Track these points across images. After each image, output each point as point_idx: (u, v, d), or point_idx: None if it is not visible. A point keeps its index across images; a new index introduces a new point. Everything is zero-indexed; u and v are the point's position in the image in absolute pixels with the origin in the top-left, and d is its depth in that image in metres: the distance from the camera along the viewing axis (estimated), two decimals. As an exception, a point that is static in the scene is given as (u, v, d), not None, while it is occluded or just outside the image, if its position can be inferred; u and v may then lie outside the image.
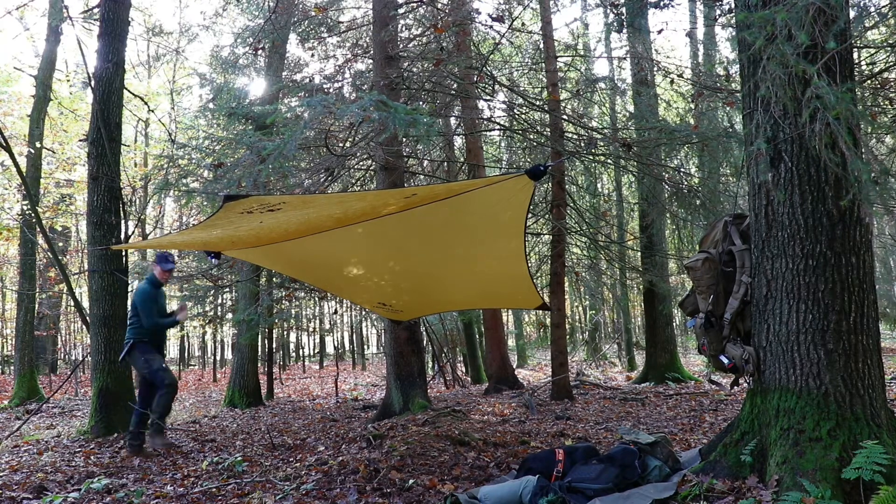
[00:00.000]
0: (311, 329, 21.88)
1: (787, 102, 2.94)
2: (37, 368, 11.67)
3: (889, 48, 5.58)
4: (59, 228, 17.12)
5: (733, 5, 4.57)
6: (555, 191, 8.44)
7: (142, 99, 10.60)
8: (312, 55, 10.83)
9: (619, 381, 11.66)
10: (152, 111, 12.86)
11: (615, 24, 8.61)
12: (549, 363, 10.11)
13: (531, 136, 9.19)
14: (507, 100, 10.36)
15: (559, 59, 9.45)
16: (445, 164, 11.06)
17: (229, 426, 7.39)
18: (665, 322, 10.62)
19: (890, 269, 16.18)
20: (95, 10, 8.27)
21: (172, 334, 19.00)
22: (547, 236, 9.93)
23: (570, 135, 9.05)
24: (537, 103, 9.18)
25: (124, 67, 6.96)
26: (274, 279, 9.70)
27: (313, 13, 8.95)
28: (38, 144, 11.22)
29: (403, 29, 8.88)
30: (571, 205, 9.27)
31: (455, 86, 8.73)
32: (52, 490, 4.18)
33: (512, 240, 4.28)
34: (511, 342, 18.15)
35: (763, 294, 3.27)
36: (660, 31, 9.53)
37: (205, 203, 8.80)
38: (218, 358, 23.72)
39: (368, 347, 27.56)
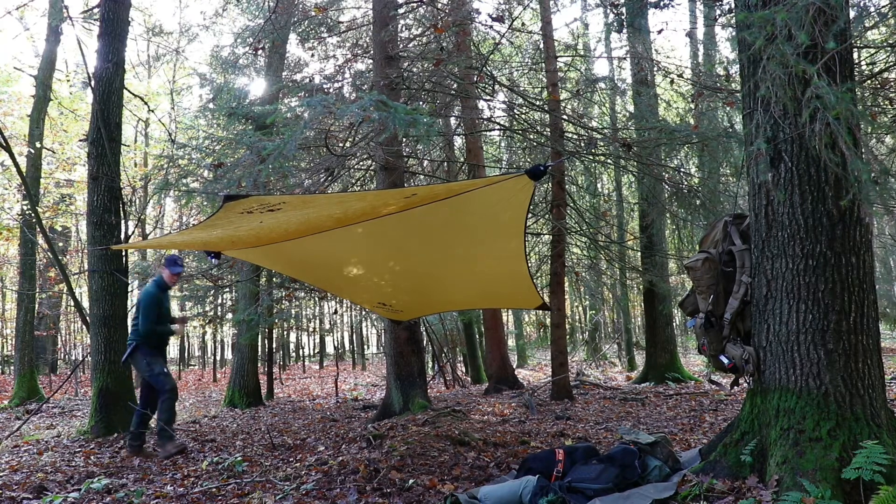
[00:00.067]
0: (311, 329, 21.87)
1: (787, 102, 2.94)
2: (37, 368, 11.67)
3: (889, 48, 5.58)
4: (59, 228, 17.12)
5: (733, 5, 4.57)
6: (555, 191, 8.44)
7: (142, 99, 10.60)
8: (312, 55, 10.83)
9: (619, 381, 11.66)
10: (152, 111, 12.86)
11: (615, 24, 8.62)
12: (549, 363, 10.12)
13: (531, 136, 9.19)
14: (507, 100, 10.36)
15: (559, 59, 9.45)
16: (445, 164, 11.06)
17: (229, 426, 7.39)
18: (665, 322, 10.62)
19: (890, 269, 16.18)
20: (95, 10, 8.27)
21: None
22: (547, 236, 9.93)
23: (570, 135, 9.05)
24: (537, 103, 9.18)
25: (124, 67, 6.96)
26: (274, 279, 9.70)
27: (313, 13, 8.95)
28: (38, 144, 11.23)
29: (403, 29, 8.88)
30: (571, 205, 9.27)
31: (455, 86, 8.73)
32: (52, 490, 4.18)
33: (512, 240, 4.28)
34: (511, 342, 18.15)
35: (763, 294, 3.27)
36: (660, 31, 9.54)
37: (205, 203, 8.80)
38: (218, 358, 23.71)
39: (368, 347, 27.56)
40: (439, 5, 8.24)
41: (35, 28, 29.19)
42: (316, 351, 27.68)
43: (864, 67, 5.80)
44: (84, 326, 8.02)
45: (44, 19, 13.18)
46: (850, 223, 3.04)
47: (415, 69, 8.29)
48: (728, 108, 7.97)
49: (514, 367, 12.66)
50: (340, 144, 8.31)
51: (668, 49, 17.41)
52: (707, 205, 8.10)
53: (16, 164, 7.53)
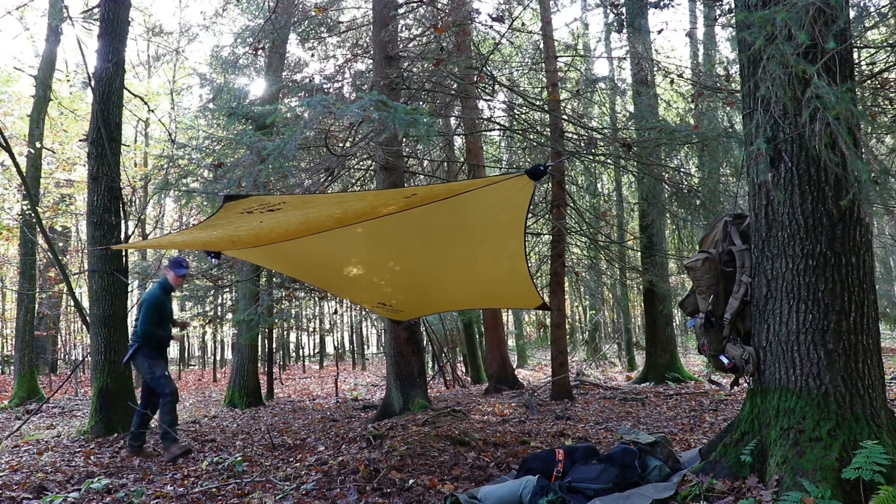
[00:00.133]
0: (311, 329, 21.87)
1: (787, 102, 2.94)
2: (37, 368, 11.67)
3: (889, 48, 5.58)
4: (59, 228, 17.12)
5: (733, 5, 4.57)
6: (555, 191, 8.44)
7: (142, 99, 10.60)
8: (312, 55, 10.83)
9: (619, 381, 11.66)
10: (152, 111, 12.85)
11: (615, 24, 8.62)
12: (549, 363, 10.12)
13: (531, 136, 9.19)
14: (507, 100, 10.36)
15: (559, 59, 9.45)
16: (445, 164, 11.06)
17: (229, 426, 7.39)
18: (665, 322, 10.62)
19: (890, 269, 16.18)
20: (95, 10, 8.27)
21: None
22: (547, 236, 9.93)
23: (570, 135, 9.05)
24: (537, 103, 9.18)
25: (124, 67, 6.96)
26: (274, 279, 9.70)
27: (313, 13, 8.95)
28: (38, 144, 11.23)
29: (403, 29, 8.88)
30: (571, 205, 9.27)
31: (455, 86, 8.73)
32: (52, 490, 4.18)
33: (512, 240, 4.28)
34: (511, 342, 18.15)
35: (763, 294, 3.27)
36: (660, 31, 9.54)
37: (205, 203, 8.80)
38: (218, 358, 23.71)
39: (368, 347, 27.56)
40: (439, 5, 8.24)
41: (35, 28, 29.23)
42: (316, 351, 27.69)
43: (864, 67, 5.80)
44: (84, 326, 8.02)
45: (44, 19, 13.18)
46: (850, 223, 3.04)
47: (415, 69, 8.29)
48: (728, 108, 7.97)
49: (514, 367, 12.66)
50: (340, 144, 8.31)
51: (668, 49, 17.42)
52: (707, 205, 8.10)
53: (16, 164, 7.53)
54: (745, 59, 3.36)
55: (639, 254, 11.08)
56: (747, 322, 3.45)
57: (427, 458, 4.56)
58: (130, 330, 5.85)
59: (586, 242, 10.28)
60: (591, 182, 11.56)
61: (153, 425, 5.83)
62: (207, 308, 12.26)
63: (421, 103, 8.28)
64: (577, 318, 20.27)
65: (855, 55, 5.14)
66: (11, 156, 7.39)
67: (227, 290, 11.31)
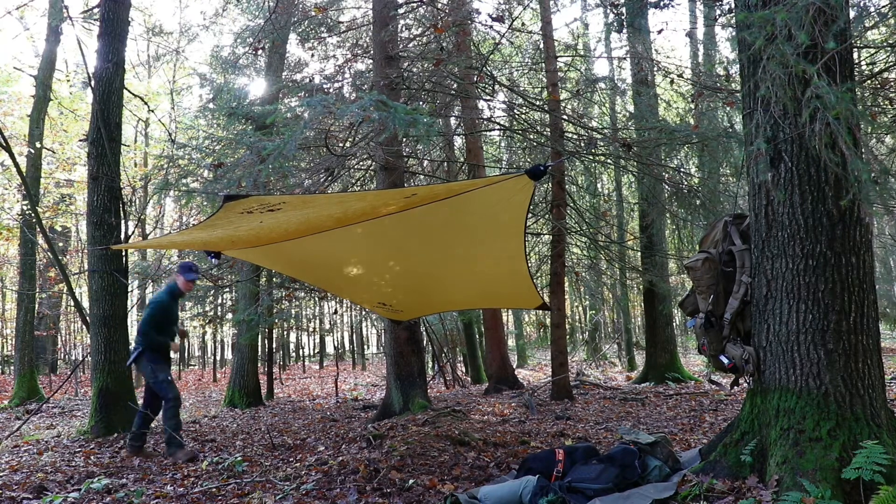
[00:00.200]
0: (311, 329, 21.87)
1: (787, 102, 2.94)
2: (37, 368, 11.67)
3: (889, 48, 5.58)
4: (59, 228, 17.12)
5: (733, 5, 4.57)
6: (555, 191, 8.44)
7: (142, 99, 10.60)
8: (312, 55, 10.83)
9: (619, 381, 11.66)
10: (152, 111, 12.85)
11: (615, 24, 8.62)
12: (549, 363, 10.12)
13: (531, 136, 9.19)
14: (507, 100, 10.36)
15: (559, 59, 9.45)
16: (445, 164, 11.06)
17: (229, 426, 7.39)
18: (665, 322, 10.62)
19: (890, 269, 16.19)
20: (95, 10, 8.27)
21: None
22: (547, 236, 9.93)
23: (570, 135, 9.05)
24: (537, 103, 9.18)
25: (124, 67, 6.96)
26: (274, 279, 9.69)
27: (313, 13, 8.95)
28: (38, 144, 11.23)
29: (403, 29, 8.88)
30: (571, 205, 9.27)
31: (455, 86, 8.73)
32: (52, 490, 4.18)
33: (512, 240, 4.28)
34: (511, 342, 18.15)
35: (763, 294, 3.27)
36: (660, 31, 9.54)
37: (205, 203, 8.80)
38: (218, 358, 23.72)
39: (368, 347, 27.57)
40: (439, 5, 8.24)
41: (35, 28, 29.24)
42: (316, 351, 27.69)
43: (864, 67, 5.80)
44: (84, 326, 8.02)
45: (44, 19, 13.17)
46: (850, 223, 3.04)
47: (415, 69, 8.29)
48: (728, 108, 7.97)
49: (514, 367, 12.66)
50: (340, 144, 8.31)
51: (668, 49, 17.43)
52: (707, 205, 8.10)
53: (16, 164, 7.53)
54: (745, 59, 3.36)
55: (639, 254, 11.08)
56: (747, 322, 3.45)
57: (427, 458, 4.57)
58: (133, 331, 5.84)
59: (586, 242, 10.29)
60: (591, 182, 11.56)
61: (153, 425, 5.83)
62: (207, 308, 12.26)
63: (421, 103, 8.28)
64: (577, 318, 20.27)
65: (855, 55, 5.14)
66: (11, 156, 7.39)
67: (227, 290, 11.31)
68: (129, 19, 7.05)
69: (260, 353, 11.00)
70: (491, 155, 13.02)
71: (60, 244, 17.54)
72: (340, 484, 3.99)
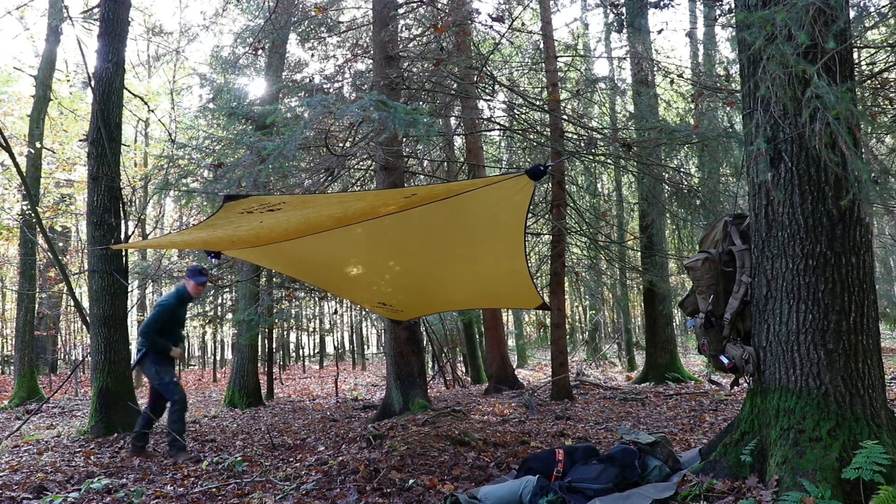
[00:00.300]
0: (311, 329, 21.87)
1: (787, 102, 2.94)
2: (37, 368, 11.67)
3: (889, 48, 5.58)
4: (59, 228, 17.11)
5: (733, 5, 4.57)
6: (555, 191, 8.44)
7: (142, 99, 10.60)
8: (312, 55, 10.83)
9: (619, 381, 11.66)
10: (152, 111, 12.85)
11: (615, 24, 8.62)
12: (549, 363, 10.11)
13: (531, 136, 9.19)
14: (507, 100, 10.36)
15: (559, 59, 9.45)
16: (445, 164, 11.06)
17: (229, 426, 7.39)
18: (665, 322, 10.62)
19: (890, 269, 16.19)
20: (95, 10, 8.27)
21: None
22: (547, 236, 9.93)
23: (570, 135, 9.05)
24: (537, 103, 9.18)
25: (124, 67, 6.96)
26: (274, 279, 9.69)
27: (313, 13, 8.95)
28: (38, 144, 11.23)
29: (403, 29, 8.88)
30: (571, 205, 9.27)
31: (455, 86, 8.73)
32: (52, 490, 4.18)
33: (512, 240, 4.28)
34: (511, 342, 18.15)
35: (763, 294, 3.27)
36: (660, 31, 9.53)
37: (205, 203, 8.80)
38: (218, 358, 23.72)
39: (368, 347, 27.57)
40: (439, 5, 8.24)
41: (35, 28, 29.22)
42: (316, 351, 27.69)
43: (864, 67, 5.80)
44: (84, 326, 8.02)
45: (44, 19, 13.17)
46: (850, 223, 3.04)
47: (415, 69, 8.29)
48: (728, 108, 7.96)
49: (514, 367, 12.66)
50: (340, 144, 8.31)
51: (668, 49, 17.43)
52: (707, 205, 8.10)
53: (16, 164, 7.53)
54: (745, 59, 3.36)
55: (639, 254, 11.08)
56: (747, 322, 3.45)
57: (427, 458, 4.57)
58: (133, 331, 5.83)
59: (586, 242, 10.29)
60: (591, 182, 11.56)
61: (155, 425, 5.83)
62: (207, 308, 12.26)
63: (421, 103, 8.28)
64: (577, 318, 20.28)
65: (855, 55, 5.14)
66: (11, 156, 7.39)
67: (227, 290, 11.31)
68: (129, 19, 7.05)
69: (260, 353, 11.00)
70: (491, 155, 13.02)
71: (60, 244, 17.54)
72: (340, 484, 3.99)
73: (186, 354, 25.27)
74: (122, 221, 6.78)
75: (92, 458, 5.25)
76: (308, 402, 10.69)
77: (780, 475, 2.91)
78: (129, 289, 7.30)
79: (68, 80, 15.11)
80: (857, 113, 2.70)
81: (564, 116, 8.78)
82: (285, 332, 21.49)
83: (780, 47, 2.71)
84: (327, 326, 23.04)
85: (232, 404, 9.81)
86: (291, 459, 5.00)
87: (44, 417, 8.84)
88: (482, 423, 6.43)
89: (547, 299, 7.42)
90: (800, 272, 3.10)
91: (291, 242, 4.72)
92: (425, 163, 11.50)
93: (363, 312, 20.33)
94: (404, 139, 8.03)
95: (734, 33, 3.63)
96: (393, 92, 7.12)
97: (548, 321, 9.43)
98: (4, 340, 21.24)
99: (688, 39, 11.79)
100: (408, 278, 5.49)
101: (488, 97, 9.39)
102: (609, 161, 9.22)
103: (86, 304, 7.87)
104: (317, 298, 14.85)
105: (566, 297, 11.51)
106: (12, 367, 14.52)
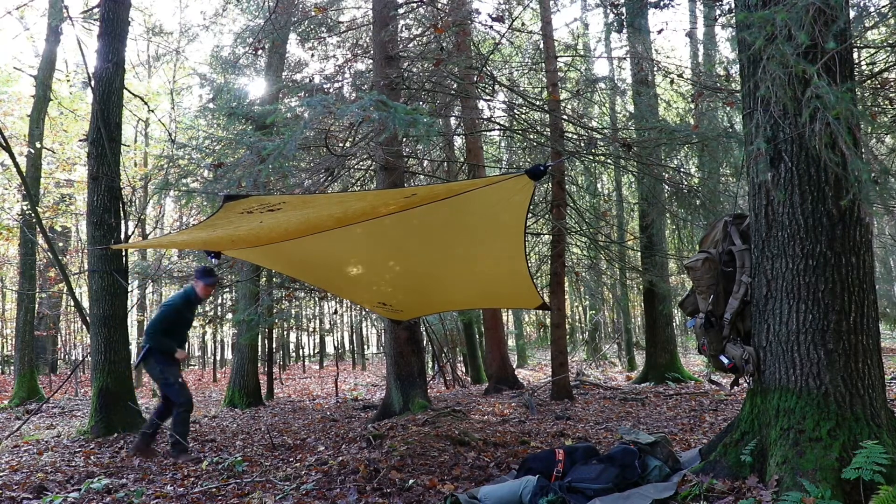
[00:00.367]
0: (311, 329, 21.88)
1: (787, 102, 2.94)
2: (37, 368, 11.66)
3: (889, 48, 5.58)
4: (59, 228, 17.11)
5: (733, 5, 4.57)
6: (555, 191, 8.44)
7: (142, 99, 10.59)
8: (312, 55, 10.84)
9: (619, 381, 11.66)
10: (152, 111, 12.85)
11: (615, 24, 8.62)
12: (549, 363, 10.11)
13: (531, 136, 9.19)
14: (507, 100, 10.36)
15: (559, 59, 9.45)
16: (445, 164, 11.06)
17: (229, 426, 7.39)
18: (665, 322, 10.62)
19: (890, 269, 16.19)
20: (95, 10, 8.27)
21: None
22: (547, 236, 9.93)
23: (570, 135, 9.05)
24: (537, 103, 9.18)
25: (124, 67, 6.95)
26: (274, 279, 9.70)
27: (313, 13, 8.95)
28: (38, 144, 11.22)
29: (403, 29, 8.88)
30: (571, 205, 9.27)
31: (455, 86, 8.73)
32: (52, 490, 4.17)
33: (512, 240, 4.28)
34: (511, 342, 18.15)
35: (763, 294, 3.27)
36: (660, 31, 9.53)
37: (205, 203, 8.80)
38: (218, 358, 23.72)
39: (368, 347, 27.57)
40: (439, 5, 8.24)
41: (35, 28, 29.19)
42: (316, 351, 27.69)
43: (864, 67, 5.80)
44: (84, 326, 8.01)
45: (44, 19, 13.17)
46: (850, 223, 3.04)
47: (415, 69, 8.29)
48: (728, 108, 7.96)
49: (514, 367, 12.66)
50: (340, 144, 8.31)
51: (668, 49, 17.43)
52: (707, 205, 8.10)
53: (16, 164, 7.53)
54: (745, 59, 3.36)
55: (639, 254, 11.08)
56: (747, 322, 3.45)
57: (427, 458, 4.57)
58: (133, 331, 5.81)
59: (586, 242, 10.29)
60: (591, 182, 11.56)
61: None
62: (207, 308, 12.26)
63: (421, 103, 8.28)
64: (577, 318, 20.28)
65: (855, 55, 5.14)
66: (11, 156, 7.39)
67: (227, 290, 11.31)
68: (129, 19, 7.05)
69: (260, 353, 11.00)
70: (491, 155, 13.02)
71: (60, 244, 17.54)
72: (340, 484, 3.99)
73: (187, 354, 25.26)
74: (122, 221, 6.78)
75: (92, 458, 5.25)
76: (308, 402, 10.69)
77: (780, 475, 2.91)
78: (129, 289, 7.29)
79: (68, 80, 15.11)
80: (857, 113, 2.70)
81: (564, 116, 8.78)
82: (285, 332, 21.49)
83: (780, 47, 2.71)
84: (327, 326, 23.05)
85: (232, 404, 9.81)
86: (291, 459, 5.00)
87: (44, 417, 8.84)
88: (482, 423, 6.43)
89: (547, 299, 7.42)
90: (800, 272, 3.10)
91: (291, 242, 4.72)
92: (425, 163, 11.50)
93: (363, 312, 20.33)
94: (404, 139, 8.03)
95: (734, 33, 3.63)
96: (393, 92, 7.12)
97: (548, 321, 9.43)
98: (4, 340, 21.24)
99: (688, 39, 11.79)
100: (408, 278, 5.49)
101: (488, 97, 9.39)
102: (609, 161, 9.22)
103: (86, 304, 7.86)
104: (317, 298, 14.85)
105: (566, 297, 11.51)
106: (12, 367, 14.52)
